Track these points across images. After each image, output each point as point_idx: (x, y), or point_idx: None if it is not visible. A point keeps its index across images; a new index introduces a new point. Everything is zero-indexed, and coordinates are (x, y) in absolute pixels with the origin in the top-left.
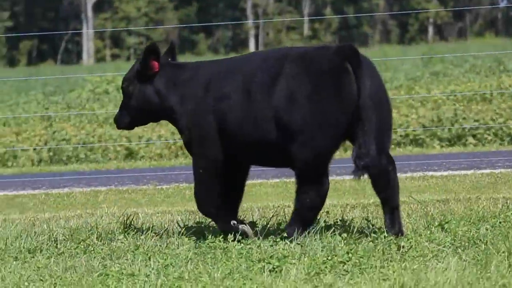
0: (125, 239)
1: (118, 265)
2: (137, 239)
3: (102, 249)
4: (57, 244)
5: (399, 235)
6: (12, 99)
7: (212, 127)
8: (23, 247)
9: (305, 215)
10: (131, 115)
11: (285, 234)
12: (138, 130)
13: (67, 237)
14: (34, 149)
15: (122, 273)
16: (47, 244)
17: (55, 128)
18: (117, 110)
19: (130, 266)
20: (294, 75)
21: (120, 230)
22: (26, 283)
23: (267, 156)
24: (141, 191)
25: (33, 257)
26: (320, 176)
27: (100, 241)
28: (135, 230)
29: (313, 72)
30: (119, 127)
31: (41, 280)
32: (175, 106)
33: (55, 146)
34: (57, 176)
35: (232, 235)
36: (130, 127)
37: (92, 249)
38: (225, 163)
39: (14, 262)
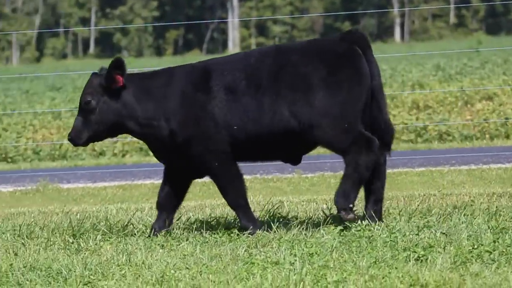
0: (270, 228)
1: (263, 253)
2: (282, 227)
3: (247, 238)
4: (202, 232)
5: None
6: None
7: (213, 121)
8: (170, 235)
9: (360, 176)
10: (92, 130)
11: (428, 222)
12: None
13: (213, 225)
14: None
15: (267, 261)
16: (193, 232)
17: None
18: (71, 128)
19: (275, 254)
20: (305, 62)
21: (265, 219)
22: (172, 271)
23: (274, 146)
24: (286, 179)
25: (179, 245)
26: (366, 136)
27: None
28: (280, 219)
29: (326, 57)
30: (76, 144)
31: (187, 268)
32: (152, 113)
33: None
34: None
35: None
36: (87, 143)
37: (237, 237)
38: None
39: (161, 250)
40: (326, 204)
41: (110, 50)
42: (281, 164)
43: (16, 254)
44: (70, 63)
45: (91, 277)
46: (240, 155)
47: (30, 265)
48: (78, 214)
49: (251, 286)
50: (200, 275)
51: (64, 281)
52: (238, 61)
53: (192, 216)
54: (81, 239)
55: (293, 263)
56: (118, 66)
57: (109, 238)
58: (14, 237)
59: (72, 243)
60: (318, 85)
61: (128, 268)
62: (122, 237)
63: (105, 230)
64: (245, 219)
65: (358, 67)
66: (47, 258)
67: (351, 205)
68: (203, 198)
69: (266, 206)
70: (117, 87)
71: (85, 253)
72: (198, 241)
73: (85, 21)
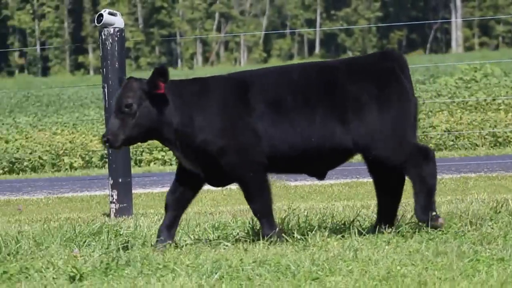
0: (495, 225)
1: (488, 250)
2: (506, 224)
3: (472, 235)
4: (427, 230)
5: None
6: None
7: (253, 132)
8: (396, 232)
9: (431, 186)
10: (129, 133)
11: None
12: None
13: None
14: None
15: (493, 258)
16: (418, 229)
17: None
18: (107, 130)
19: (501, 251)
20: (355, 79)
21: (490, 216)
22: (398, 267)
23: (313, 161)
24: (510, 177)
25: (405, 242)
26: (422, 148)
27: (471, 226)
28: (506, 216)
29: (373, 73)
30: (113, 146)
31: (413, 264)
32: (188, 121)
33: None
34: None
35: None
36: (121, 146)
37: (462, 234)
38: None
39: (387, 246)
40: None
41: (334, 51)
42: (505, 162)
43: (245, 250)
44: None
45: (319, 272)
46: (271, 167)
47: (260, 261)
48: (306, 211)
49: (476, 283)
50: (426, 271)
51: (293, 276)
52: (279, 75)
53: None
54: (308, 236)
55: None
56: (161, 73)
57: (336, 234)
58: (243, 233)
59: (300, 239)
60: (370, 101)
61: (355, 264)
62: (348, 233)
63: (332, 227)
64: (268, 228)
65: (403, 83)
66: (275, 254)
67: (434, 213)
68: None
69: (490, 204)
70: (158, 93)
71: (312, 249)
72: (424, 238)
73: (310, 23)
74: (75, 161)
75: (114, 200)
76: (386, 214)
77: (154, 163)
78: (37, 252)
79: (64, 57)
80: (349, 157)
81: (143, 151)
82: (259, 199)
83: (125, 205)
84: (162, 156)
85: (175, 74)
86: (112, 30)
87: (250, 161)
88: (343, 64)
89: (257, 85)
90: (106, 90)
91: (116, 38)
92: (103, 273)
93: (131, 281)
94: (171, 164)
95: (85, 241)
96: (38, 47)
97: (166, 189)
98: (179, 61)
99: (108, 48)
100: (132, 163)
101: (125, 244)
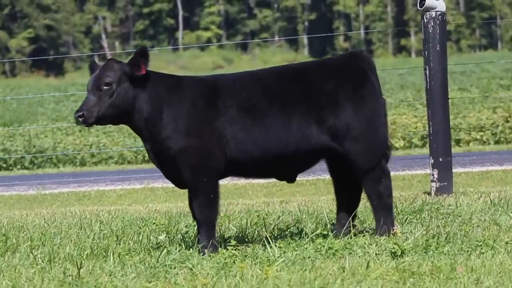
0: None
1: None
2: None
3: None
4: None
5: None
6: None
7: (219, 136)
8: None
9: (389, 203)
10: (102, 112)
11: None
12: None
13: None
14: None
15: None
16: None
17: None
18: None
19: None
20: (328, 80)
21: None
22: None
23: (286, 164)
24: None
25: None
26: (384, 163)
27: None
28: None
29: (346, 74)
30: (86, 122)
31: None
32: (160, 113)
33: None
34: None
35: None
36: (95, 123)
37: None
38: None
39: None
40: None
41: None
42: None
43: None
44: None
45: None
46: (242, 171)
47: None
48: None
49: None
50: None
51: None
52: (250, 80)
53: None
54: None
55: None
56: (143, 54)
57: None
58: None
59: None
60: (345, 101)
61: None
62: None
63: None
64: (205, 237)
65: (374, 83)
66: None
67: (394, 227)
68: None
69: None
70: (139, 75)
71: None
72: None
73: None
74: (396, 142)
75: (434, 179)
76: (343, 220)
77: (473, 143)
78: (360, 229)
79: (387, 40)
80: (322, 158)
81: (460, 130)
82: (207, 207)
83: (445, 183)
84: (481, 136)
85: (495, 55)
86: (434, 13)
87: (208, 166)
88: (315, 65)
89: (228, 90)
90: (427, 72)
91: (438, 21)
92: (423, 250)
93: (451, 257)
94: (489, 144)
95: (406, 219)
96: (362, 31)
97: (486, 168)
98: (499, 43)
99: (430, 31)
100: (453, 142)
101: (445, 222)
